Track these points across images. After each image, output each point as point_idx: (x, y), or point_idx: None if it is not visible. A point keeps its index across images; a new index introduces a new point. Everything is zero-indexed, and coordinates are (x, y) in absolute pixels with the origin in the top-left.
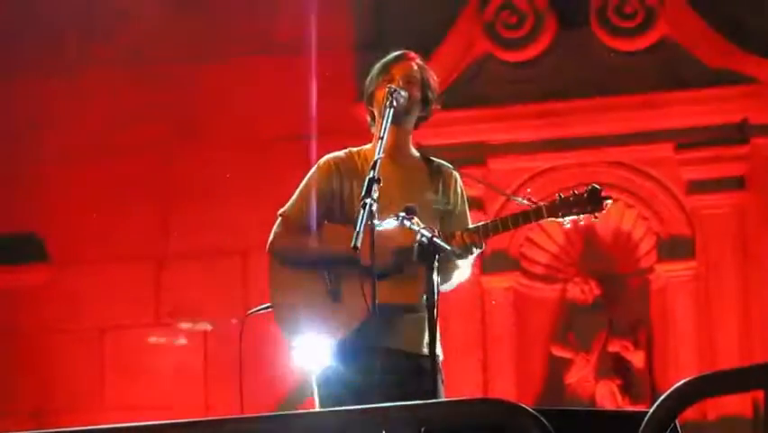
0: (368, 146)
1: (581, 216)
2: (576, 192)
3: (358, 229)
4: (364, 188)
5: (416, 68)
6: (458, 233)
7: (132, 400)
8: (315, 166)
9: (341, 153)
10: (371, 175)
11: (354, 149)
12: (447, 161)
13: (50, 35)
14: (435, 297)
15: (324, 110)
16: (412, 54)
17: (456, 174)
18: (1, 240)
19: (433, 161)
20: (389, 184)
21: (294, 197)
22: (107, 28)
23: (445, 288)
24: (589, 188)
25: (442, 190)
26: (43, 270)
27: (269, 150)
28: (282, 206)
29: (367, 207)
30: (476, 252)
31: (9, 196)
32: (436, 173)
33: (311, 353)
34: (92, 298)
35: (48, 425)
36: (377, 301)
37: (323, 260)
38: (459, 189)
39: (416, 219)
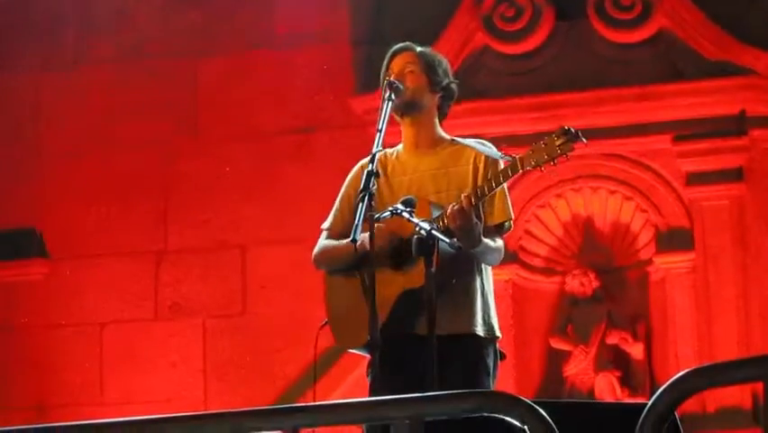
0: (399, 146)
1: (555, 159)
2: (547, 137)
3: (356, 222)
4: (362, 181)
5: (413, 57)
6: (447, 210)
7: (132, 394)
8: (350, 173)
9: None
10: (369, 168)
11: (390, 150)
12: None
13: (49, 29)
14: (435, 285)
15: (323, 103)
16: (410, 45)
17: (487, 151)
18: (0, 235)
19: (461, 143)
20: (417, 176)
21: (333, 208)
22: (106, 22)
23: (490, 262)
24: (559, 129)
25: (472, 170)
26: (42, 265)
27: (269, 143)
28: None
29: (365, 200)
30: (469, 223)
31: (8, 191)
32: (465, 156)
33: (362, 353)
34: (91, 292)
35: (47, 419)
36: (405, 289)
37: (354, 260)
38: (491, 167)
39: (427, 207)
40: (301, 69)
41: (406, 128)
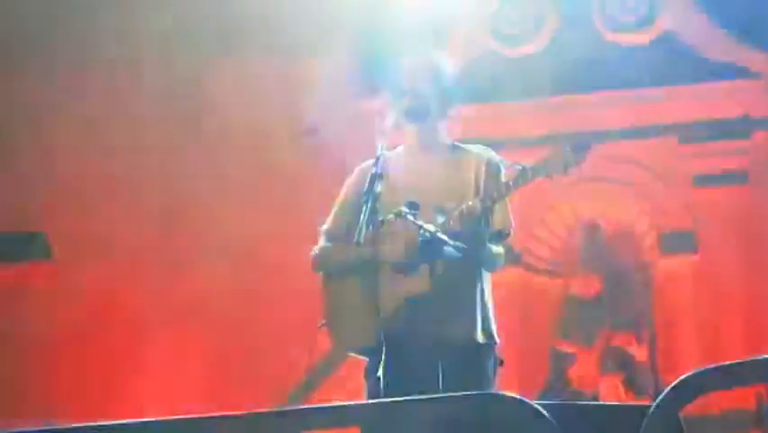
0: (399, 148)
1: (567, 170)
2: (557, 149)
3: (360, 225)
4: (366, 183)
5: (426, 65)
6: (454, 213)
7: (137, 395)
8: (348, 178)
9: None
10: (374, 171)
11: (390, 152)
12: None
13: (54, 31)
14: (443, 288)
15: (329, 107)
16: (423, 51)
17: (488, 156)
18: (5, 238)
19: (463, 149)
20: (418, 180)
21: (333, 210)
22: (110, 23)
23: (491, 268)
24: (571, 143)
25: (474, 177)
26: (48, 267)
27: (274, 145)
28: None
29: (369, 202)
30: (479, 234)
31: (12, 193)
32: (468, 160)
33: (361, 356)
34: (97, 295)
35: (53, 420)
36: (411, 294)
37: (357, 263)
38: (492, 172)
39: (437, 213)
40: (308, 73)
41: (410, 132)
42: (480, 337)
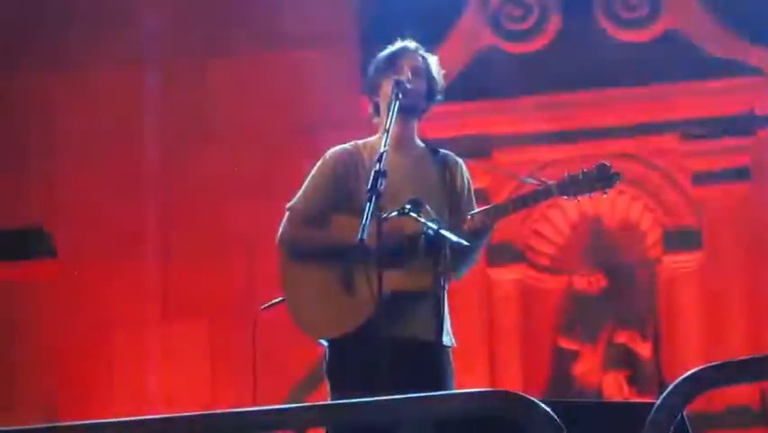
0: (373, 138)
1: (591, 193)
2: (585, 170)
3: (364, 222)
4: (370, 180)
5: (421, 61)
6: (469, 216)
7: (140, 393)
8: (322, 159)
9: (347, 146)
10: (378, 168)
11: (360, 141)
12: (453, 153)
13: (58, 29)
14: (442, 287)
15: (330, 103)
16: (419, 46)
17: (461, 162)
18: (9, 235)
19: (437, 150)
20: (397, 175)
21: (301, 190)
22: (115, 22)
23: (456, 277)
24: (598, 165)
25: (449, 178)
26: (51, 265)
27: (277, 143)
28: (289, 199)
29: (373, 199)
30: (487, 235)
31: (17, 191)
32: (442, 162)
33: (326, 344)
34: (100, 292)
35: (57, 418)
36: (390, 289)
37: (331, 252)
38: (465, 176)
39: (426, 208)
40: (310, 69)
41: (391, 127)
42: (446, 340)
